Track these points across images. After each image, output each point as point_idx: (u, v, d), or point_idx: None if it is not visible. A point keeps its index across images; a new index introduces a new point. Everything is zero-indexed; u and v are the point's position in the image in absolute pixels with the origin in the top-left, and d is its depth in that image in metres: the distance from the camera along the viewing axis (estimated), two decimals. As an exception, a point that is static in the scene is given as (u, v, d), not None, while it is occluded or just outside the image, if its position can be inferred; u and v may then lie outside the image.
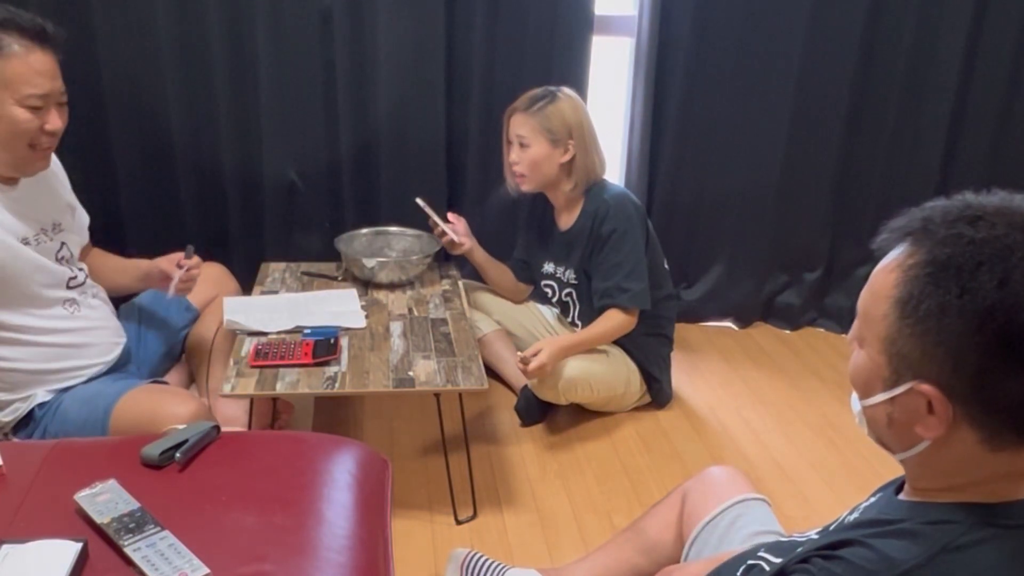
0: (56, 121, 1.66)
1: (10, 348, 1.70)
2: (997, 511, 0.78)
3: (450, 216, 2.40)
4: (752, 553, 1.04)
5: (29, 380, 1.74)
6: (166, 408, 1.68)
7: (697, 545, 1.33)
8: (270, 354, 1.92)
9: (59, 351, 1.77)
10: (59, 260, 1.79)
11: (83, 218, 1.98)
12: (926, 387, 0.77)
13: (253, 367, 1.88)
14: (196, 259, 1.97)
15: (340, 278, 2.40)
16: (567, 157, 2.25)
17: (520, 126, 2.25)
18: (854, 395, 0.88)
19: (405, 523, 1.97)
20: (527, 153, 2.25)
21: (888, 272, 0.81)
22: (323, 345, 1.96)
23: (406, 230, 2.53)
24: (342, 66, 2.58)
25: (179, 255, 1.97)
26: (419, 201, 2.34)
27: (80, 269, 1.86)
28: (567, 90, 2.28)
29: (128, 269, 2.04)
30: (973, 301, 0.73)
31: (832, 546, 0.84)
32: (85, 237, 1.99)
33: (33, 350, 1.73)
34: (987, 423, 0.76)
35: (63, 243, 1.81)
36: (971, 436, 0.78)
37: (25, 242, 1.71)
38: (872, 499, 0.97)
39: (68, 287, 1.80)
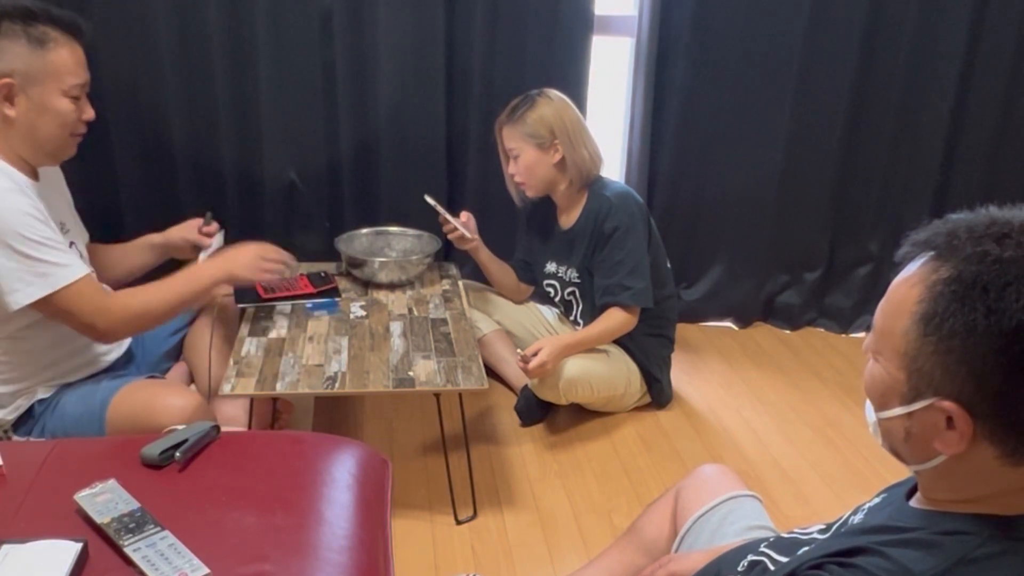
0: (91, 110, 1.73)
1: (18, 342, 1.71)
2: (1014, 524, 0.78)
3: (462, 215, 2.40)
4: (754, 548, 1.04)
5: (32, 374, 1.74)
6: (163, 400, 1.68)
7: (689, 538, 1.33)
8: (276, 288, 2.17)
9: (65, 346, 1.77)
10: None
11: (80, 224, 1.99)
12: (947, 404, 0.76)
13: (265, 300, 2.14)
14: (215, 225, 2.05)
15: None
16: (558, 157, 2.25)
17: (508, 138, 2.28)
18: (869, 406, 0.87)
19: (405, 523, 1.97)
20: (520, 162, 2.27)
21: (910, 286, 0.79)
22: (316, 277, 2.28)
23: (406, 230, 2.53)
24: (342, 66, 2.58)
25: (196, 222, 2.05)
26: (428, 199, 2.33)
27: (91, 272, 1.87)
28: (548, 91, 2.28)
29: (139, 247, 2.07)
30: (1000, 322, 0.72)
31: (845, 552, 0.83)
32: (86, 236, 2.00)
33: (43, 339, 1.74)
34: (1008, 440, 0.76)
35: (72, 242, 1.83)
36: (990, 452, 0.77)
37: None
38: (877, 500, 0.96)
39: None
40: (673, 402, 2.56)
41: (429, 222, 2.46)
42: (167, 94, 2.54)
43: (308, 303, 2.19)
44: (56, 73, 1.63)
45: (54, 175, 1.86)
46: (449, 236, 2.39)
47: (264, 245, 1.94)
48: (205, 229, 2.06)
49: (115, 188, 2.64)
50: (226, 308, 2.15)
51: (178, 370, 2.17)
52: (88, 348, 1.81)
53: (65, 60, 1.64)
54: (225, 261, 1.88)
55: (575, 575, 1.55)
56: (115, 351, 1.89)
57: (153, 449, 1.34)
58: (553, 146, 2.24)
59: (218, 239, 2.05)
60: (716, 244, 3.02)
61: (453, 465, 2.11)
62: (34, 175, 1.73)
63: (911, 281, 0.80)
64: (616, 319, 2.28)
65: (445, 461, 2.11)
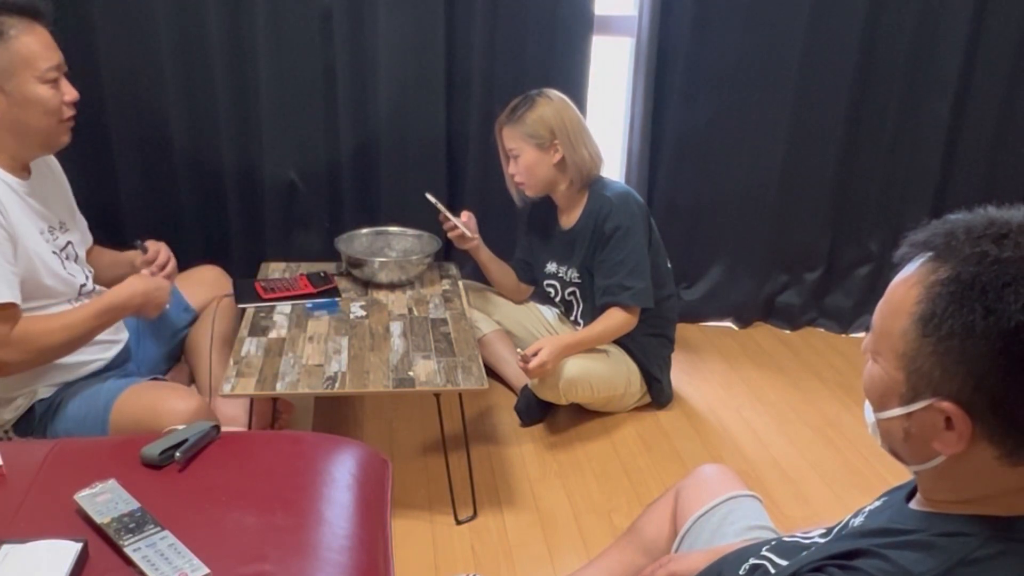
0: (72, 90, 1.69)
1: None
2: (1013, 525, 0.78)
3: (463, 215, 2.40)
4: (755, 551, 1.04)
5: (32, 373, 1.74)
6: (167, 403, 1.68)
7: (689, 538, 1.33)
8: (276, 288, 2.21)
9: None
10: (66, 258, 1.79)
11: (82, 220, 1.98)
12: (946, 404, 0.76)
13: (265, 300, 2.17)
14: (153, 248, 1.96)
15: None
16: (558, 157, 2.25)
17: (508, 139, 2.28)
18: (868, 406, 0.87)
19: (405, 523, 1.97)
20: (520, 163, 2.27)
21: (909, 287, 0.79)
22: (316, 277, 2.31)
23: (406, 230, 2.53)
24: (342, 66, 2.58)
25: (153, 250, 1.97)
26: (429, 197, 2.34)
27: (87, 273, 1.87)
28: (548, 91, 2.28)
29: (120, 262, 2.05)
30: (998, 322, 0.72)
31: (845, 555, 0.83)
32: (89, 240, 2.00)
33: None
34: (1007, 440, 0.76)
35: (69, 242, 1.82)
36: (989, 452, 0.77)
37: (40, 235, 1.71)
38: (878, 503, 0.96)
39: (80, 294, 1.81)
40: (673, 402, 2.56)
41: (429, 222, 2.46)
42: (167, 94, 2.54)
43: (308, 303, 2.19)
44: (26, 61, 1.59)
45: (51, 173, 1.84)
46: (449, 235, 2.39)
47: (162, 284, 1.86)
48: (144, 259, 1.95)
49: (115, 188, 2.64)
50: (226, 309, 2.15)
51: (179, 371, 2.17)
52: (88, 347, 1.80)
53: (30, 46, 1.59)
54: (144, 299, 1.78)
55: (575, 575, 1.55)
56: (113, 348, 1.89)
57: (153, 449, 1.34)
58: (553, 146, 2.24)
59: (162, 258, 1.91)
60: (716, 244, 3.02)
61: (453, 465, 2.11)
62: (25, 172, 1.72)
63: (910, 282, 0.79)
64: (616, 319, 2.28)
65: (445, 461, 2.11)
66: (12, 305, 1.60)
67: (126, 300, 1.76)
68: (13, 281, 1.60)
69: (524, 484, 2.16)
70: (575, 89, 2.63)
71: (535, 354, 2.19)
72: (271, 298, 2.18)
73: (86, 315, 1.71)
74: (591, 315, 2.38)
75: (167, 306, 1.88)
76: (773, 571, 0.96)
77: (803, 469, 2.27)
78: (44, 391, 1.76)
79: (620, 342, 2.37)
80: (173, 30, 2.48)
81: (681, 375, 2.69)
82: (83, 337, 1.72)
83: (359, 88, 2.62)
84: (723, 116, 2.82)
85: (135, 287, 1.78)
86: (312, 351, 1.97)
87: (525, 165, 2.27)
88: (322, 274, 2.33)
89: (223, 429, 1.47)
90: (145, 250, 1.96)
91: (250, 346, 1.98)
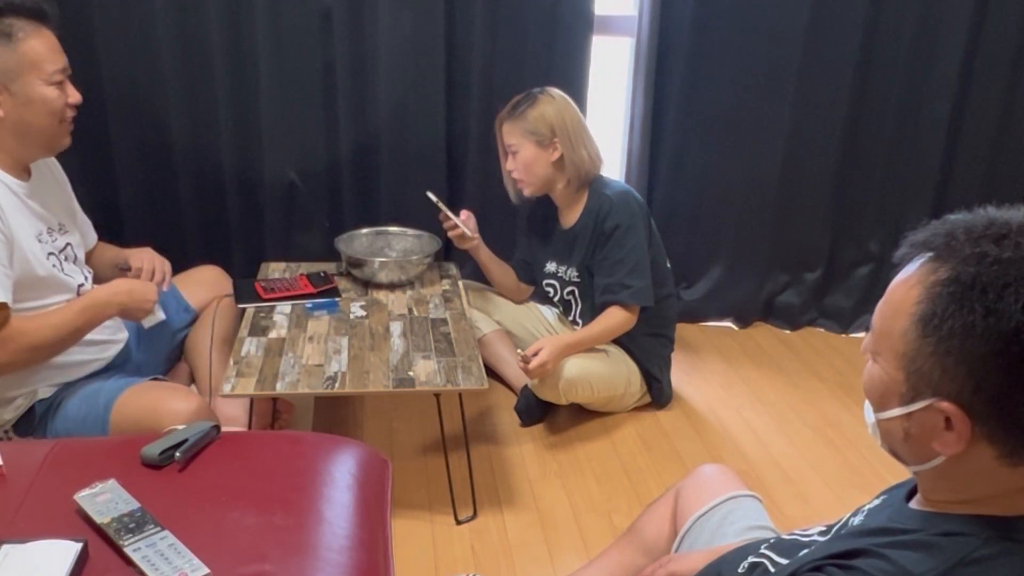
0: (76, 94, 1.71)
1: None
2: (1014, 525, 0.78)
3: (462, 214, 2.41)
4: (754, 549, 1.04)
5: (32, 373, 1.74)
6: (167, 404, 1.68)
7: (689, 538, 1.33)
8: (276, 289, 2.21)
9: None
10: (65, 260, 1.79)
11: (85, 221, 1.99)
12: (945, 405, 0.76)
13: (265, 300, 2.17)
14: (135, 261, 1.97)
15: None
16: (556, 155, 2.25)
17: (508, 135, 2.28)
18: (868, 406, 0.87)
19: (405, 523, 1.97)
20: (518, 159, 2.27)
21: (909, 287, 0.79)
22: (316, 277, 2.31)
23: (406, 230, 2.53)
24: (342, 66, 2.58)
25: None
26: (430, 195, 2.34)
27: (86, 275, 1.87)
28: (551, 89, 2.28)
29: (121, 261, 2.04)
30: (998, 323, 0.72)
31: (844, 555, 0.83)
32: (92, 239, 1.99)
33: None
34: (1007, 441, 0.76)
35: (68, 243, 1.82)
36: (989, 452, 0.77)
37: (38, 237, 1.71)
38: (877, 502, 0.96)
39: (78, 295, 1.81)
40: (673, 402, 2.56)
41: (429, 222, 2.46)
42: (167, 94, 2.54)
43: (308, 303, 2.19)
44: (32, 63, 1.60)
45: (51, 174, 1.85)
46: (449, 234, 2.39)
47: (148, 285, 1.84)
48: (132, 274, 1.96)
49: (115, 188, 2.64)
50: (226, 309, 2.15)
51: (179, 371, 2.17)
52: (86, 347, 1.81)
53: (37, 49, 1.61)
54: (128, 297, 1.78)
55: (575, 575, 1.55)
56: (113, 348, 1.89)
57: (153, 449, 1.34)
58: (552, 144, 2.24)
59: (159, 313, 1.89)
60: (716, 244, 3.02)
61: (453, 465, 2.11)
62: (25, 173, 1.72)
63: (910, 282, 0.79)
64: (616, 318, 2.28)
65: (445, 461, 2.11)
66: (2, 306, 1.60)
67: (109, 297, 1.76)
68: (6, 283, 1.61)
69: (524, 484, 2.16)
70: (575, 89, 2.63)
71: (535, 354, 2.19)
72: (271, 298, 2.18)
73: (70, 313, 1.71)
74: (590, 314, 2.38)
75: (163, 317, 1.86)
76: (772, 570, 0.96)
77: (803, 469, 2.27)
78: (44, 391, 1.76)
79: (620, 342, 2.37)
80: (173, 31, 2.48)
81: (681, 375, 2.69)
82: (71, 336, 1.72)
83: (359, 88, 2.62)
84: (723, 116, 2.82)
85: (118, 284, 1.79)
86: (312, 351, 1.97)
87: (523, 161, 2.27)
88: (322, 274, 2.33)
89: (223, 429, 1.47)
90: (128, 268, 1.98)
91: (250, 346, 1.98)
